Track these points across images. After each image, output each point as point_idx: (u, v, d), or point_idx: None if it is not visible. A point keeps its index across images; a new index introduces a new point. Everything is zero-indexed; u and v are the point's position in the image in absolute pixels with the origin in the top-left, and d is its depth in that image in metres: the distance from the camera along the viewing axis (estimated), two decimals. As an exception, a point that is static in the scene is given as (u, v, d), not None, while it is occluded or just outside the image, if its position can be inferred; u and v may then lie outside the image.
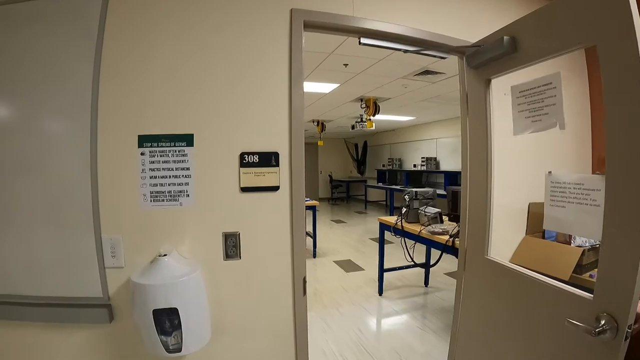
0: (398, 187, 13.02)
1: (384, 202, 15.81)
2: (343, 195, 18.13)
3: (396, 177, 14.36)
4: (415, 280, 5.98)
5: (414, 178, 13.01)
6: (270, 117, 1.98)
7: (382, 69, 5.75)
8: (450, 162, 11.86)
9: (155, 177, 1.86)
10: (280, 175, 2.00)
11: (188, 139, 1.88)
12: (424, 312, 4.81)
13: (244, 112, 1.94)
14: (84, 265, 1.82)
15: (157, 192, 1.86)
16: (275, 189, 2.00)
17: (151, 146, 1.84)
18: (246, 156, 1.93)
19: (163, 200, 1.87)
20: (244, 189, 1.94)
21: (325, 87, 7.03)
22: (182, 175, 1.88)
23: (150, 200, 1.85)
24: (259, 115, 1.96)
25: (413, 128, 13.69)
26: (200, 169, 1.90)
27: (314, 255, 7.51)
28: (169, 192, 1.87)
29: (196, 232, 1.92)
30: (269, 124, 1.98)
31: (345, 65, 5.44)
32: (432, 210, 4.46)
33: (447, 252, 3.93)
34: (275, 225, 2.03)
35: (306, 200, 6.07)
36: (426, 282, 5.81)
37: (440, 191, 10.00)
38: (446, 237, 3.90)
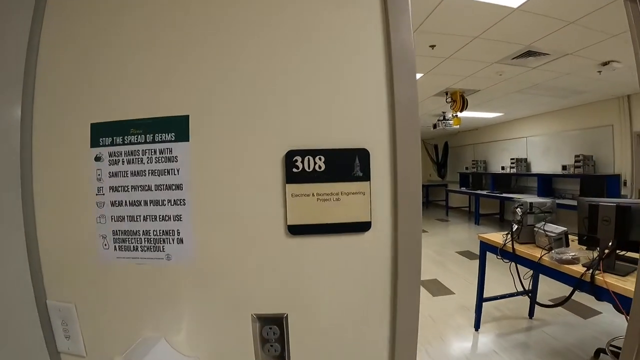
0: (484, 193, 11.82)
1: (467, 209, 14.51)
2: (422, 201, 16.85)
3: (481, 180, 13.04)
4: (516, 310, 4.87)
5: (502, 182, 11.69)
6: (353, 83, 1.09)
7: (476, 51, 4.74)
8: (542, 164, 10.49)
9: (121, 204, 1.04)
10: (372, 197, 1.08)
11: (179, 127, 1.05)
12: (531, 355, 3.75)
13: (294, 73, 1.08)
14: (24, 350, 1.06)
15: (123, 232, 1.05)
16: (362, 227, 1.08)
17: (113, 143, 1.04)
18: (299, 159, 1.05)
19: (136, 249, 1.06)
20: (295, 229, 1.06)
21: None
22: (169, 201, 1.06)
23: (114, 248, 1.04)
24: (327, 78, 1.08)
25: (499, 126, 12.35)
26: (203, 186, 1.07)
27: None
28: (145, 232, 1.05)
29: (201, 311, 1.09)
30: (347, 95, 1.09)
31: (432, 47, 4.49)
32: (554, 228, 3.38)
33: (582, 290, 2.86)
34: (359, 304, 1.11)
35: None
36: (531, 314, 4.70)
37: (537, 199, 8.64)
38: (581, 269, 2.84)
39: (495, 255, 4.00)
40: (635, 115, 7.87)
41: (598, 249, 2.89)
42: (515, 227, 3.72)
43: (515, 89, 7.03)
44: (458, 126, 9.28)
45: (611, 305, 2.68)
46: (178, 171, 1.04)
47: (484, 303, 4.43)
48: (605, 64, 5.53)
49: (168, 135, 1.04)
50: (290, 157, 1.05)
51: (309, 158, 1.05)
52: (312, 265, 1.07)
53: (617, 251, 2.84)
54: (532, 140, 10.87)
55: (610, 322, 4.37)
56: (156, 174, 1.04)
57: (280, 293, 1.08)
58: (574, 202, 8.09)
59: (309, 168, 1.05)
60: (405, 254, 1.08)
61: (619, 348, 3.48)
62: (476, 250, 7.88)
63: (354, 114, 1.07)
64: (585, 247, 3.24)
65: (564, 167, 9.16)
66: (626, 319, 2.83)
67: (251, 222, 1.06)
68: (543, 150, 10.44)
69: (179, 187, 1.04)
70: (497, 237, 4.15)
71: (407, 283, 1.10)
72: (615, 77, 6.29)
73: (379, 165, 1.07)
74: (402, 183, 1.07)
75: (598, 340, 3.93)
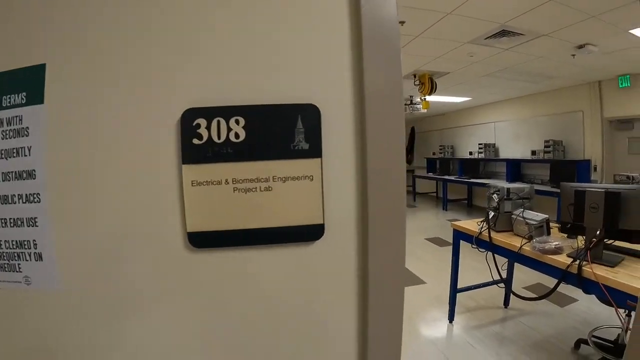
0: (452, 178, 11.72)
1: (435, 194, 14.44)
2: None
3: (449, 166, 12.93)
4: (491, 300, 4.67)
5: (470, 167, 11.56)
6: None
7: (448, 29, 4.49)
8: (511, 149, 10.42)
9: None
10: (326, 183, 0.70)
11: (31, 82, 0.68)
12: (512, 349, 3.55)
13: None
14: None
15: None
16: (310, 233, 0.70)
17: None
18: (202, 123, 0.66)
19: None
20: (198, 239, 0.67)
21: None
22: (20, 197, 0.70)
23: None
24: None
25: (467, 111, 12.24)
26: (64, 173, 0.70)
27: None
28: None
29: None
30: (284, 21, 0.71)
31: (402, 23, 4.17)
32: (535, 215, 3.15)
33: (567, 282, 2.64)
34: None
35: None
36: (506, 303, 4.52)
37: (514, 184, 8.56)
38: (566, 260, 2.61)
39: (467, 244, 3.79)
40: (605, 101, 7.85)
41: (583, 237, 2.67)
42: (491, 214, 3.48)
43: (486, 72, 6.82)
44: (426, 110, 9.06)
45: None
46: (29, 150, 0.68)
47: (457, 293, 4.21)
48: (580, 47, 5.36)
49: (16, 97, 0.68)
50: (188, 120, 0.67)
51: (219, 121, 0.66)
52: (225, 300, 0.70)
53: (605, 240, 2.62)
54: (500, 125, 10.80)
55: (588, 309, 4.23)
56: (2, 155, 0.69)
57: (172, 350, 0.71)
58: (545, 188, 8.32)
59: (219, 138, 0.66)
60: (380, 281, 0.70)
61: (602, 339, 3.32)
62: (445, 236, 7.79)
63: (295, 51, 0.70)
64: (567, 236, 3.03)
65: (533, 153, 9.08)
66: (617, 314, 2.67)
67: (132, 230, 0.69)
68: (512, 135, 10.36)
69: (30, 174, 0.68)
70: (471, 224, 3.92)
71: (384, 332, 0.74)
72: (589, 62, 6.17)
73: (337, 132, 0.70)
74: (375, 161, 0.69)
75: (577, 330, 3.76)
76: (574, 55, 5.77)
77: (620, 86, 7.35)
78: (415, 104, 9.09)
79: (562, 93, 8.69)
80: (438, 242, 7.72)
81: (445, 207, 11.86)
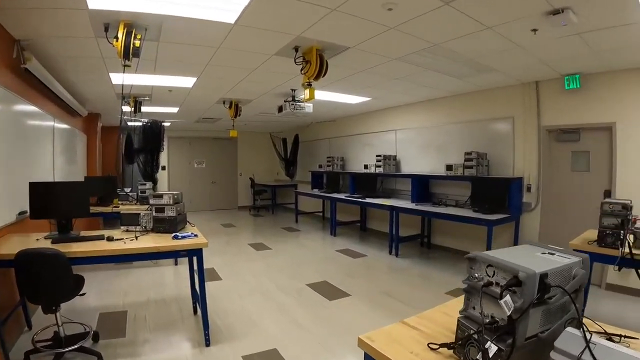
0: (342, 196, 9.62)
1: (321, 214, 12.27)
2: (268, 204, 14.45)
3: (338, 181, 10.87)
4: None
5: (365, 183, 9.58)
6: None
7: None
8: (418, 162, 8.60)
9: None
10: None
11: None
12: None
13: None
14: None
15: None
16: None
17: None
18: None
19: None
20: None
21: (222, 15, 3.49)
22: None
23: None
24: None
25: (364, 117, 10.29)
26: None
27: (206, 342, 3.73)
28: None
29: None
30: None
31: None
32: None
33: None
34: None
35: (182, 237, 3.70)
36: None
37: (438, 209, 7.03)
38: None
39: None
40: (544, 106, 6.27)
41: None
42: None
43: (401, 51, 4.70)
44: (311, 106, 6.82)
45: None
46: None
47: None
48: (555, 12, 3.41)
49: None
50: None
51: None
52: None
53: None
54: (405, 133, 8.99)
55: None
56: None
57: None
58: (466, 212, 6.54)
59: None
60: None
61: None
62: (334, 279, 5.96)
63: None
64: None
65: (448, 168, 7.22)
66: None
67: None
68: (420, 146, 8.55)
69: None
70: (396, 343, 1.62)
71: None
72: (547, 46, 4.47)
73: None
74: None
75: None
76: (535, 30, 3.87)
77: (566, 87, 5.78)
78: (298, 101, 6.79)
79: (489, 95, 7.03)
80: (325, 290, 5.40)
81: (334, 232, 9.72)
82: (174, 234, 3.76)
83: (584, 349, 1.11)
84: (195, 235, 3.81)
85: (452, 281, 5.88)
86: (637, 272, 3.19)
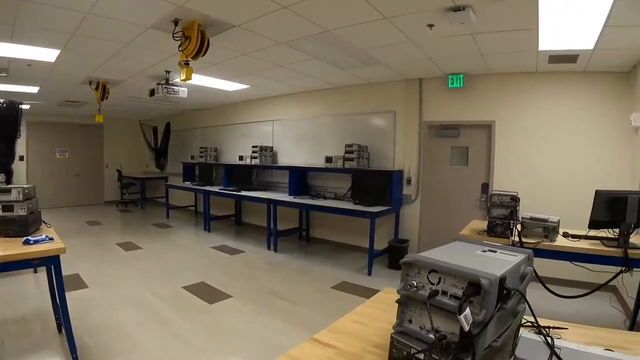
0: (216, 189, 9.08)
1: (194, 208, 11.59)
2: (137, 198, 13.07)
3: (212, 173, 10.26)
4: None
5: (240, 176, 9.18)
6: None
7: None
8: (296, 154, 8.45)
9: None
10: None
11: None
12: None
13: None
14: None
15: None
16: None
17: None
18: None
19: None
20: None
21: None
22: None
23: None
24: None
25: (240, 106, 9.86)
26: None
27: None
28: None
29: None
30: None
31: None
32: None
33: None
34: None
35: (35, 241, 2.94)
36: None
37: (326, 201, 6.95)
38: None
39: None
40: (426, 103, 6.49)
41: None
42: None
43: (291, 35, 4.43)
44: (185, 93, 6.31)
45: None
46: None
47: None
48: (457, 9, 3.40)
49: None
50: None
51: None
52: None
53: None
54: (283, 124, 8.77)
55: None
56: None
57: None
58: (347, 205, 6.51)
59: None
60: None
61: None
62: (212, 280, 5.47)
63: None
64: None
65: (328, 160, 7.11)
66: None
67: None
68: (299, 137, 8.40)
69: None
70: None
71: None
72: (438, 43, 4.58)
73: None
74: None
75: None
76: (431, 26, 3.86)
77: (450, 86, 6.05)
78: (172, 85, 6.18)
79: (372, 89, 7.10)
80: (204, 293, 4.94)
81: (208, 227, 9.15)
82: (25, 238, 2.96)
83: (551, 355, 1.04)
84: (51, 239, 3.00)
85: (336, 275, 5.81)
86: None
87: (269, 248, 7.38)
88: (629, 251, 3.18)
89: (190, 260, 6.67)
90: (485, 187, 6.02)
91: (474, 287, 1.03)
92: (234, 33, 4.31)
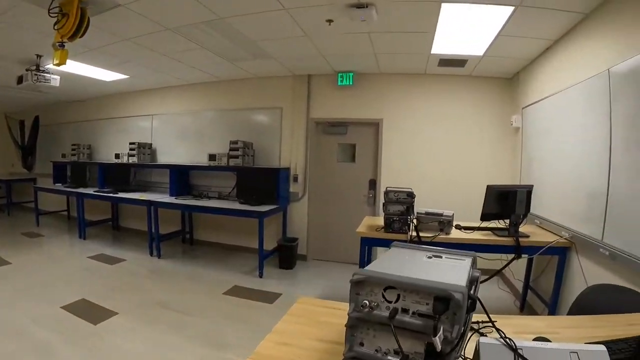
0: (90, 192, 8.25)
1: (66, 213, 10.57)
2: (2, 203, 11.29)
3: (85, 173, 9.35)
4: None
5: (117, 175, 8.52)
6: None
7: None
8: (177, 151, 8.11)
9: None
10: None
11: None
12: None
13: None
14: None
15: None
16: None
17: None
18: None
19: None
20: None
21: None
22: None
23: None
24: None
25: (117, 99, 9.10)
26: None
27: None
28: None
29: None
30: None
31: None
32: None
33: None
34: None
35: None
36: None
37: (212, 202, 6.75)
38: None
39: None
40: (314, 100, 6.62)
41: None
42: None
43: (180, 20, 4.22)
44: (57, 82, 5.75)
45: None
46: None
47: None
48: (360, 6, 3.50)
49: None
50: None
51: None
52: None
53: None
54: (163, 119, 8.33)
55: None
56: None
57: None
58: (231, 204, 6.40)
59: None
60: None
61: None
62: (95, 295, 4.91)
63: None
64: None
65: (212, 157, 6.94)
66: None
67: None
68: (180, 134, 8.04)
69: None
70: None
71: None
72: (334, 39, 4.64)
73: None
74: None
75: None
76: (330, 21, 3.92)
77: (339, 83, 6.25)
78: (43, 71, 5.56)
79: (259, 84, 7.05)
80: (86, 312, 4.44)
81: (84, 234, 8.30)
82: None
83: (517, 357, 0.99)
84: None
85: (226, 279, 5.68)
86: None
87: (151, 254, 6.96)
88: (520, 239, 3.59)
89: (67, 274, 5.92)
90: (372, 183, 6.29)
91: (442, 303, 0.99)
92: (118, 13, 3.96)
